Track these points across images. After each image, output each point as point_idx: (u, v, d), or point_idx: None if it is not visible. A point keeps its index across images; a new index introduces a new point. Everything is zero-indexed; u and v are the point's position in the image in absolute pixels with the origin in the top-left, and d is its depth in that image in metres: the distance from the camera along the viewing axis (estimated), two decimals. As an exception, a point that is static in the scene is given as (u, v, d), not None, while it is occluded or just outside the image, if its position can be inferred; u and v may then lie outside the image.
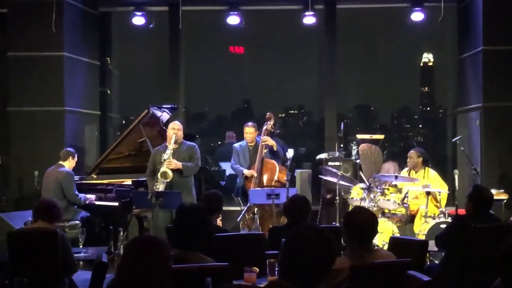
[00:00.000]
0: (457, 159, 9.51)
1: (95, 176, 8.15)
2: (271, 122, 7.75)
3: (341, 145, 9.40)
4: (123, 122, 11.89)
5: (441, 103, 13.66)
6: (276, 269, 3.69)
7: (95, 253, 5.28)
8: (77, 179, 7.86)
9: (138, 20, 9.73)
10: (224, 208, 5.66)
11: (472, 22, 8.91)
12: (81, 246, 5.51)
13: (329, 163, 8.53)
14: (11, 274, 4.55)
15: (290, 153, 7.40)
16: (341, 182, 7.62)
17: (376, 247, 3.85)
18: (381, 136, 9.33)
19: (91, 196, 7.69)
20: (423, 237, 6.59)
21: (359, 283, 3.42)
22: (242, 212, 7.29)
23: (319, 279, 2.50)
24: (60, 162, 7.61)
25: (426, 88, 15.34)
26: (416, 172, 7.72)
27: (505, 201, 7.71)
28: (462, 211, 5.84)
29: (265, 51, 13.11)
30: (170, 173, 6.69)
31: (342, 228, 3.79)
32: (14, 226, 6.65)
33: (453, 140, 9.19)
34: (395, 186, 7.52)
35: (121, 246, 7.19)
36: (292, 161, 7.52)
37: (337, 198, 7.68)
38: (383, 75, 13.29)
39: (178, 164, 6.78)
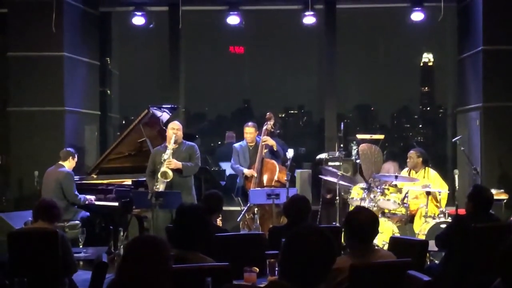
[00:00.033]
0: (457, 159, 9.51)
1: (95, 176, 8.16)
2: (271, 122, 7.75)
3: (341, 145, 9.40)
4: (123, 122, 11.88)
5: (441, 103, 13.65)
6: (276, 269, 3.69)
7: (95, 253, 5.28)
8: (77, 179, 7.86)
9: (138, 20, 9.73)
10: (224, 208, 5.66)
11: (472, 22, 8.91)
12: (81, 246, 5.51)
13: (329, 163, 8.53)
14: (11, 274, 4.54)
15: (290, 153, 7.40)
16: (341, 182, 7.62)
17: (376, 247, 3.85)
18: (381, 136, 9.32)
19: (91, 197, 7.69)
20: (423, 237, 6.59)
21: (359, 283, 3.42)
22: (242, 212, 7.29)
23: (319, 279, 2.50)
24: (60, 162, 7.61)
25: (426, 88, 15.32)
26: (416, 172, 7.72)
27: (505, 201, 7.71)
28: (462, 211, 5.84)
29: (265, 51, 13.10)
30: (170, 173, 6.69)
31: (343, 228, 3.78)
32: (14, 226, 6.65)
33: (453, 140, 9.19)
34: (395, 186, 7.52)
35: (121, 246, 7.18)
36: (292, 161, 7.52)
37: (337, 198, 7.67)
38: (383, 75, 13.28)
39: (178, 164, 6.78)
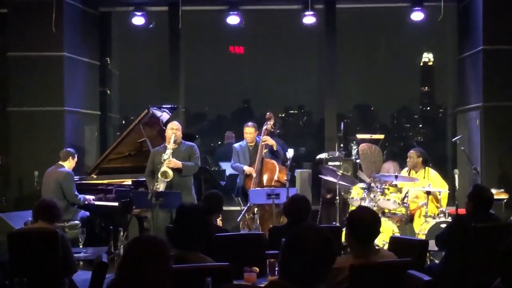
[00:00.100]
0: (457, 159, 9.51)
1: (95, 176, 8.16)
2: (271, 122, 7.75)
3: (341, 145, 9.40)
4: (123, 122, 11.88)
5: (441, 103, 13.64)
6: (276, 269, 3.69)
7: (95, 253, 5.28)
8: (77, 179, 7.86)
9: (138, 20, 9.73)
10: (224, 208, 5.66)
11: (472, 22, 8.91)
12: (81, 246, 5.51)
13: (329, 163, 8.53)
14: (11, 274, 4.55)
15: (290, 153, 7.40)
16: (341, 182, 7.62)
17: (377, 247, 3.85)
18: (381, 136, 9.33)
19: (91, 197, 7.69)
20: (423, 237, 6.59)
21: (359, 282, 3.41)
22: (242, 212, 7.29)
23: (319, 279, 2.51)
24: (60, 162, 7.61)
25: (426, 87, 15.31)
26: (416, 172, 7.72)
27: (505, 200, 7.71)
28: (462, 211, 5.84)
29: (265, 51, 13.09)
30: (170, 172, 6.69)
31: (345, 227, 3.78)
32: (14, 226, 6.65)
33: (453, 139, 9.19)
34: (395, 186, 7.52)
35: (121, 246, 7.18)
36: (292, 161, 7.52)
37: (337, 198, 7.67)
38: (383, 75, 13.27)
39: (178, 163, 6.78)
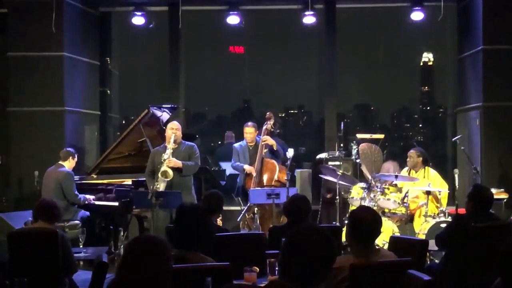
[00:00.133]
0: (457, 159, 9.52)
1: (95, 176, 8.16)
2: (271, 122, 7.75)
3: (341, 145, 9.40)
4: (123, 122, 11.88)
5: (441, 103, 13.64)
6: (276, 268, 3.69)
7: (95, 253, 5.28)
8: (77, 179, 7.86)
9: (138, 20, 9.73)
10: (224, 208, 5.66)
11: (472, 22, 8.91)
12: (81, 246, 5.51)
13: (329, 163, 8.53)
14: (11, 274, 4.55)
15: (290, 152, 7.40)
16: (341, 182, 7.62)
17: (377, 247, 3.85)
18: (381, 136, 9.33)
19: (91, 197, 7.69)
20: (423, 237, 6.59)
21: (359, 282, 3.41)
22: (242, 212, 7.29)
23: (319, 279, 2.51)
24: (60, 162, 7.61)
25: (426, 87, 15.32)
26: (416, 172, 7.72)
27: (505, 200, 7.71)
28: (462, 211, 5.84)
29: (265, 51, 13.09)
30: (170, 172, 6.69)
31: (345, 227, 3.78)
32: (14, 226, 6.65)
33: (453, 139, 9.18)
34: (395, 185, 7.52)
35: (121, 246, 7.19)
36: (292, 160, 7.52)
37: (337, 197, 7.67)
38: (383, 75, 13.27)
39: (178, 163, 6.78)
